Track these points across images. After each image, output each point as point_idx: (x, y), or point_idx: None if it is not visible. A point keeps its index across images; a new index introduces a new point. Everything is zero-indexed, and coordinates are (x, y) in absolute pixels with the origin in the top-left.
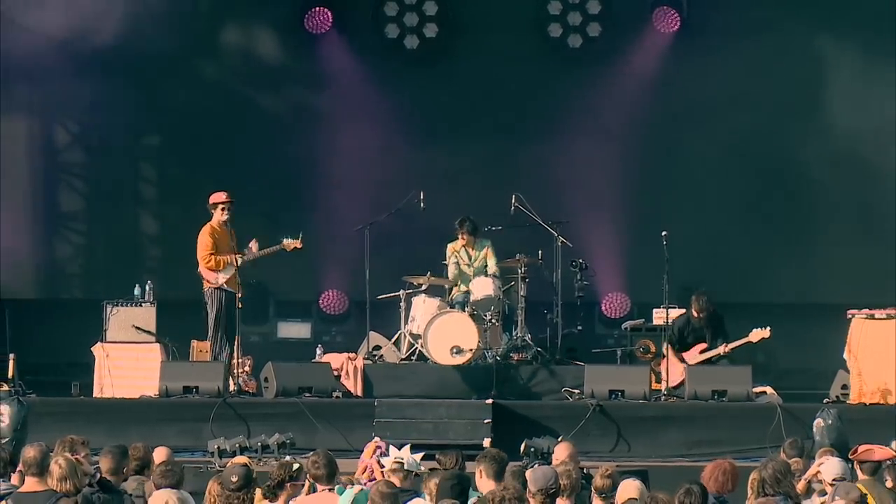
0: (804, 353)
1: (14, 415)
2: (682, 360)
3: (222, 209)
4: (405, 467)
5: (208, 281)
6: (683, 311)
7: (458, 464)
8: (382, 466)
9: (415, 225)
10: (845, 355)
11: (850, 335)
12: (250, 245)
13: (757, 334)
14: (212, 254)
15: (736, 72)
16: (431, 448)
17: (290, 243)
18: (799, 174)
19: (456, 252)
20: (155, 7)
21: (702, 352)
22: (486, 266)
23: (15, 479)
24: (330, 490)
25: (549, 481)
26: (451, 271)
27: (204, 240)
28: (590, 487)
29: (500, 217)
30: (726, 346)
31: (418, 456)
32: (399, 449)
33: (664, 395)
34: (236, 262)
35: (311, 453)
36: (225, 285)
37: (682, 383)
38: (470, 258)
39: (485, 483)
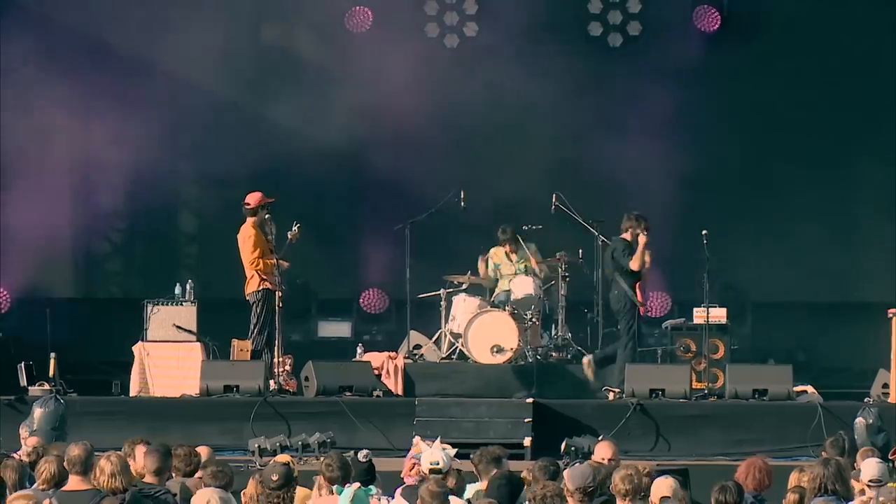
0: (845, 352)
1: (51, 413)
2: None
3: (267, 210)
4: (442, 469)
5: (256, 282)
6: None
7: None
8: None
9: (455, 224)
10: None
11: (894, 334)
12: (294, 231)
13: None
14: (260, 257)
15: (777, 70)
16: (472, 447)
17: (293, 235)
18: (841, 171)
19: (500, 259)
20: (194, 4)
21: None
22: (529, 262)
23: None
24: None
25: (586, 479)
26: (483, 271)
27: (251, 243)
28: None
29: (540, 216)
30: None
31: (452, 451)
32: (431, 447)
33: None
34: (278, 262)
35: (325, 456)
36: (269, 285)
37: None
38: (512, 262)
39: None
